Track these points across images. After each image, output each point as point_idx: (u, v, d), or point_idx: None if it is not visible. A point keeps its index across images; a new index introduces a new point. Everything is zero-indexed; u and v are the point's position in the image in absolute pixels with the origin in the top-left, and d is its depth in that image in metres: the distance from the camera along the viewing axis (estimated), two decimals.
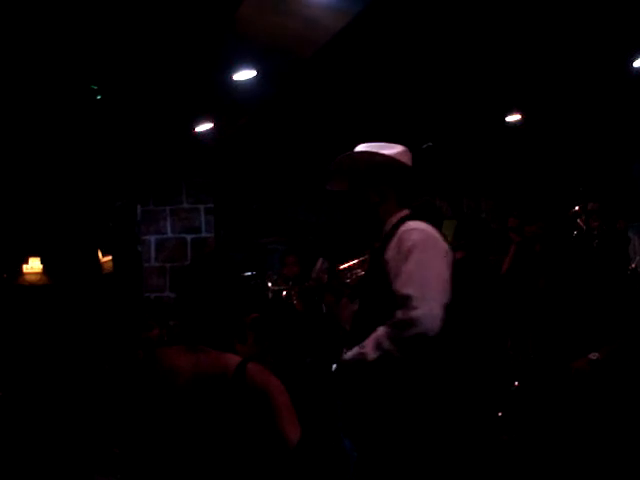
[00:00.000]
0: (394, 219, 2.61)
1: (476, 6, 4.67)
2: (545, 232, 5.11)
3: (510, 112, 6.77)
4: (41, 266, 9.57)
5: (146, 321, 5.29)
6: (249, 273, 5.36)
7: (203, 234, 7.13)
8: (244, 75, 5.09)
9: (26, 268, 9.53)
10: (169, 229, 7.10)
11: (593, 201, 4.87)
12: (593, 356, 3.83)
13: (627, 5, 4.74)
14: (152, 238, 7.08)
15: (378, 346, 2.33)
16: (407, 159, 2.67)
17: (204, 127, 6.26)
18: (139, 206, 7.11)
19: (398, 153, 2.66)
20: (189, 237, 7.12)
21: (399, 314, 2.31)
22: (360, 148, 2.71)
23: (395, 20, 4.76)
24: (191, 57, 4.86)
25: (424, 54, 5.34)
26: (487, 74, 5.77)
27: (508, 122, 6.86)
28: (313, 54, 4.93)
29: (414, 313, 2.27)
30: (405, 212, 2.63)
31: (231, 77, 5.08)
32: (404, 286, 2.33)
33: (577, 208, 4.94)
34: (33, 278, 9.51)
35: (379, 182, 2.63)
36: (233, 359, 2.15)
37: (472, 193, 8.50)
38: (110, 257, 8.18)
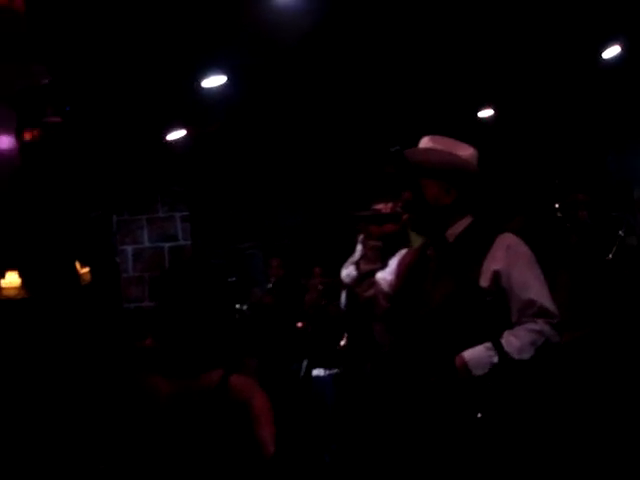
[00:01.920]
0: (462, 223, 2.60)
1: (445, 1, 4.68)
2: (525, 227, 5.09)
3: (482, 107, 6.79)
4: (19, 280, 9.46)
5: (140, 330, 5.26)
6: (231, 279, 5.36)
7: (180, 242, 7.09)
8: (214, 81, 5.07)
9: (4, 282, 9.42)
10: (146, 238, 7.04)
11: (576, 193, 4.86)
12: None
13: None
14: (129, 248, 7.03)
15: (522, 350, 2.37)
16: (476, 162, 2.65)
17: (177, 135, 6.23)
18: (114, 216, 7.06)
19: (472, 156, 2.64)
20: (166, 246, 7.07)
21: (541, 324, 2.42)
22: (429, 143, 2.62)
23: (363, 19, 4.76)
24: (161, 65, 4.83)
25: (394, 53, 5.34)
26: (457, 70, 5.77)
27: (480, 118, 6.87)
28: (284, 55, 4.92)
29: (557, 325, 2.43)
30: (470, 218, 2.62)
31: (200, 84, 5.06)
32: (541, 298, 2.46)
33: (557, 205, 4.94)
34: (11, 292, 9.39)
35: (453, 184, 2.57)
36: (216, 372, 2.14)
37: None
38: (88, 269, 8.11)
